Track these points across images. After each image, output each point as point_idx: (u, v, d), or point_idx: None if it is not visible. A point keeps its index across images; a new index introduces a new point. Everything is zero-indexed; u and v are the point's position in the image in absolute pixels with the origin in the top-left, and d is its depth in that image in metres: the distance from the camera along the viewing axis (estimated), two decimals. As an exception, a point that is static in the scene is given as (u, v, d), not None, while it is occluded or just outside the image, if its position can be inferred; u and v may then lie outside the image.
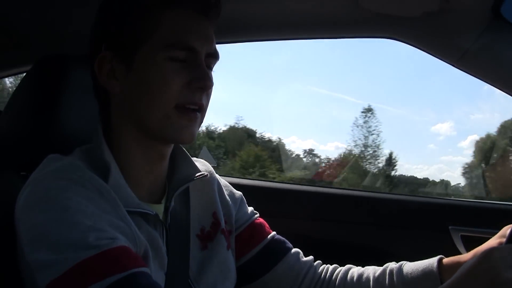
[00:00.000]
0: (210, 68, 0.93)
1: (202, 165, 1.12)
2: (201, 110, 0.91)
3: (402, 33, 1.41)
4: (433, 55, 1.41)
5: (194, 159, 1.09)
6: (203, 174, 1.03)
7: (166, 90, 0.86)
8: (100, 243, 0.72)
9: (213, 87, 0.93)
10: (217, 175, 1.14)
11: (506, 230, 0.94)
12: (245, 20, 1.45)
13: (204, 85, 0.88)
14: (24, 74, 1.10)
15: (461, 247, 1.61)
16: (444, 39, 1.36)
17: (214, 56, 0.93)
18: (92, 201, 0.78)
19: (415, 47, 1.42)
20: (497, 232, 0.96)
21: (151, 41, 0.87)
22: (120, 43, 0.89)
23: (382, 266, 1.08)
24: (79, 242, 0.71)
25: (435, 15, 1.25)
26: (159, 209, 0.95)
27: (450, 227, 1.65)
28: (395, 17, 1.31)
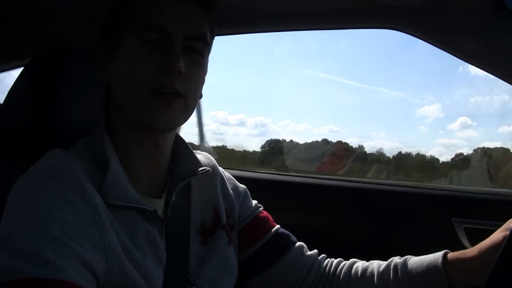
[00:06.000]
0: (199, 52, 0.92)
1: (205, 158, 1.12)
2: (180, 96, 0.87)
3: (404, 24, 1.40)
4: (435, 46, 1.40)
5: (197, 152, 1.09)
6: (205, 169, 1.02)
7: (137, 74, 0.85)
8: (54, 261, 0.69)
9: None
10: (220, 168, 1.14)
11: (510, 223, 0.94)
12: (247, 11, 1.44)
13: (169, 66, 0.84)
14: (23, 67, 1.09)
15: (464, 240, 1.61)
16: (446, 29, 1.34)
17: (198, 39, 0.90)
18: (72, 205, 0.76)
19: (417, 37, 1.41)
20: (501, 224, 0.95)
21: (129, 27, 0.88)
22: (107, 34, 0.92)
23: (385, 257, 1.07)
24: (35, 253, 0.69)
25: (437, 5, 1.23)
26: (159, 203, 0.95)
27: (453, 219, 1.64)
28: (397, 7, 1.30)
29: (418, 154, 3.27)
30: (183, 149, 1.03)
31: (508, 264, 0.75)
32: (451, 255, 0.98)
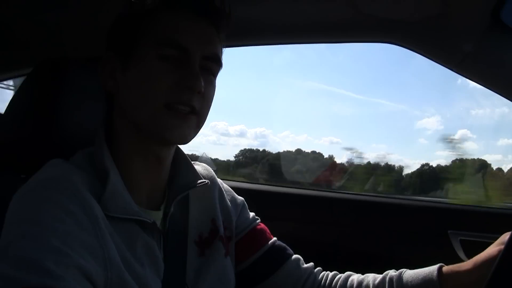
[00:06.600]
0: (211, 72, 0.93)
1: (204, 169, 1.12)
2: (195, 112, 0.89)
3: (401, 38, 1.42)
4: (432, 60, 1.42)
5: (195, 162, 1.09)
6: (204, 181, 1.02)
7: (154, 88, 0.86)
8: (54, 271, 0.69)
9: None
10: (219, 180, 1.14)
11: (505, 237, 0.94)
12: (248, 25, 1.45)
13: (191, 85, 0.86)
14: (25, 76, 1.10)
15: (460, 252, 1.61)
16: (443, 43, 1.36)
17: (213, 60, 0.92)
18: (72, 215, 0.76)
19: (415, 51, 1.42)
20: (497, 236, 0.96)
21: (146, 40, 0.88)
22: (119, 43, 0.91)
23: (380, 270, 1.08)
24: (36, 263, 0.69)
25: (435, 20, 1.25)
26: (157, 215, 0.95)
27: (449, 232, 1.65)
28: (395, 22, 1.32)
29: (386, 164, 3.45)
30: (183, 161, 1.03)
31: (503, 278, 0.75)
32: (446, 268, 0.98)
